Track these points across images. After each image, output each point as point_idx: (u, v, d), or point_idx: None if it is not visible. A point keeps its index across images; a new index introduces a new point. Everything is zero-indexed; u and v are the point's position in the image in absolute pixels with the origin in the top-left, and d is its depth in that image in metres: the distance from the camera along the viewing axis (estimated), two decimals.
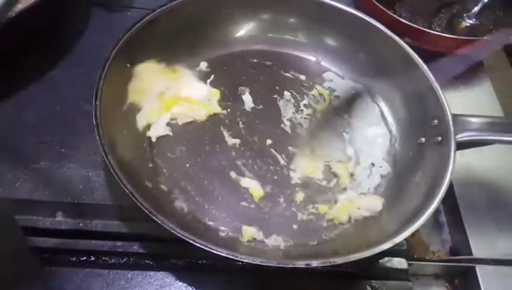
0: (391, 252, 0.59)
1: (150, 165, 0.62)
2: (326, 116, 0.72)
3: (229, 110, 0.70)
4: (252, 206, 0.61)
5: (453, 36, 0.78)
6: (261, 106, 0.72)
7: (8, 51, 0.62)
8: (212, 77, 0.73)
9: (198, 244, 0.49)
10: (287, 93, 0.74)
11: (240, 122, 0.69)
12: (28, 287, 0.47)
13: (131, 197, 0.51)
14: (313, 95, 0.74)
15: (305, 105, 0.73)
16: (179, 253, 0.57)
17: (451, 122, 0.61)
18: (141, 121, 0.65)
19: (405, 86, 0.71)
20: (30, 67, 0.71)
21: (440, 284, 0.63)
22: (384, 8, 0.78)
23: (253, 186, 0.62)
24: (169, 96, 0.68)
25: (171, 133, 0.66)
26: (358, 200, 0.63)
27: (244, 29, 0.78)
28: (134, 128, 0.64)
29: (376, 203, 0.63)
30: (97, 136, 0.54)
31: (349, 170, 0.66)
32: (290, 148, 0.68)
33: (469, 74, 0.83)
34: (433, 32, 0.77)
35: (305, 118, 0.71)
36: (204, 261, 0.58)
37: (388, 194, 0.64)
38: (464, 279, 0.62)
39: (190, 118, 0.68)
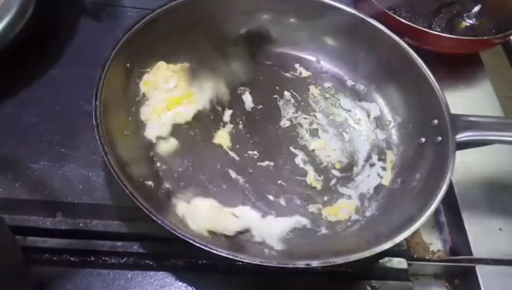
0: (391, 252, 0.59)
1: (150, 165, 0.62)
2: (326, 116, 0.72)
3: (229, 110, 0.70)
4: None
5: (453, 36, 0.78)
6: (261, 106, 0.72)
7: (8, 51, 0.62)
8: (212, 76, 0.73)
9: (198, 244, 0.49)
10: (287, 93, 0.74)
11: (240, 122, 0.69)
12: (16, 285, 0.46)
13: (131, 197, 0.51)
14: (313, 95, 0.74)
15: (305, 105, 0.73)
16: (179, 253, 0.57)
17: (451, 122, 0.61)
18: (144, 114, 0.66)
19: (405, 86, 0.71)
20: (30, 67, 0.71)
21: (440, 284, 0.63)
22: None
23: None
24: (174, 95, 0.68)
25: (169, 133, 0.66)
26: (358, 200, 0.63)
27: (244, 29, 0.78)
28: (135, 128, 0.64)
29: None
30: (97, 136, 0.54)
31: (349, 170, 0.66)
32: (290, 148, 0.68)
33: (469, 74, 0.83)
34: (433, 32, 0.77)
35: (305, 118, 0.71)
36: (204, 261, 0.58)
37: (388, 194, 0.64)
38: (464, 279, 0.62)
39: (189, 118, 0.68)
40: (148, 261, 0.57)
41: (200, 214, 0.58)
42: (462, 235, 0.64)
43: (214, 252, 0.48)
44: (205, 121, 0.68)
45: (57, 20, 0.71)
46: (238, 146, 0.67)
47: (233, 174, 0.64)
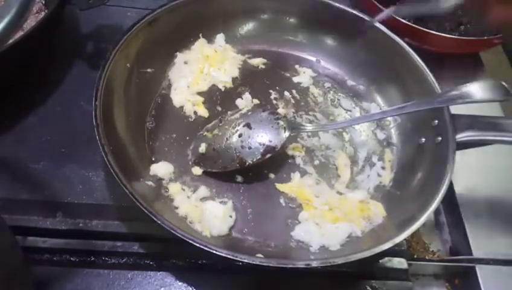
0: (391, 252, 0.59)
1: (150, 165, 0.62)
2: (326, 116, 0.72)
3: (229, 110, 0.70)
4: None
5: (453, 36, 0.78)
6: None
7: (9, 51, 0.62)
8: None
9: (198, 245, 0.49)
10: (286, 93, 0.74)
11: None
12: (16, 285, 0.46)
13: (131, 197, 0.51)
14: (313, 95, 0.74)
15: (305, 105, 0.73)
16: (179, 253, 0.57)
17: (451, 123, 0.61)
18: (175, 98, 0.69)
19: (405, 86, 0.71)
20: (30, 67, 0.71)
21: (440, 284, 0.63)
22: (384, 8, 0.78)
23: None
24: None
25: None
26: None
27: (244, 29, 0.78)
28: (135, 128, 0.64)
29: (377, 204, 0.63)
30: (97, 136, 0.55)
31: (349, 170, 0.66)
32: (290, 148, 0.67)
33: (469, 74, 0.83)
34: (433, 32, 0.77)
35: (305, 118, 0.71)
36: (204, 261, 0.58)
37: (388, 194, 0.64)
38: (464, 279, 0.62)
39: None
40: (148, 261, 0.57)
41: (201, 214, 0.58)
42: (462, 235, 0.64)
43: (214, 252, 0.48)
44: (206, 120, 0.68)
45: (58, 22, 0.71)
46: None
47: (234, 175, 0.64)
